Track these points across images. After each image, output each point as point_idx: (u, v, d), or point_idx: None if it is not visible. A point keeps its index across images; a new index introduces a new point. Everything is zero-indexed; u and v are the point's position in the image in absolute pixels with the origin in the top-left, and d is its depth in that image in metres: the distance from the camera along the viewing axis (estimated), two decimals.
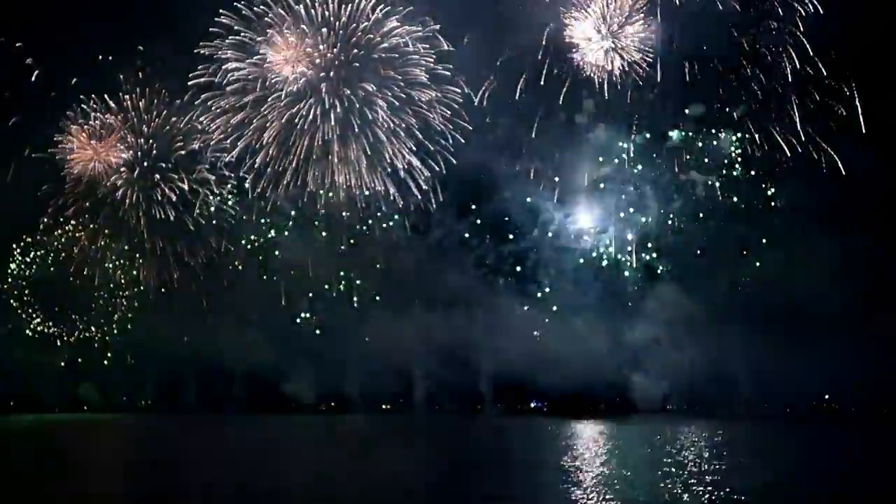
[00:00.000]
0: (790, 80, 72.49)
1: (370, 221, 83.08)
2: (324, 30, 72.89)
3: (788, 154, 75.18)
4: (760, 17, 72.31)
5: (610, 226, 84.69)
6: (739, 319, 78.41)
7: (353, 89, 73.93)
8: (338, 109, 74.21)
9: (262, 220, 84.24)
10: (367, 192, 77.65)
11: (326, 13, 72.46)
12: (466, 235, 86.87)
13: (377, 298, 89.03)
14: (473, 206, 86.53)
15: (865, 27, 65.89)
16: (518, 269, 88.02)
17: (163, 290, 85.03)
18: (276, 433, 73.15)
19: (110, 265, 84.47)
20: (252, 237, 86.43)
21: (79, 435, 68.68)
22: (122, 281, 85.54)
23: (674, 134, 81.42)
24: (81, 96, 77.93)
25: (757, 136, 76.76)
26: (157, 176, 79.99)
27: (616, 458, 43.74)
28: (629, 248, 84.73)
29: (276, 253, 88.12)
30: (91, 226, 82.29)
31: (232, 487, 31.01)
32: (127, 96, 78.17)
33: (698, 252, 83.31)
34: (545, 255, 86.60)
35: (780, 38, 71.98)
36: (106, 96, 78.24)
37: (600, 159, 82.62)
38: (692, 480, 32.79)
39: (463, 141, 75.19)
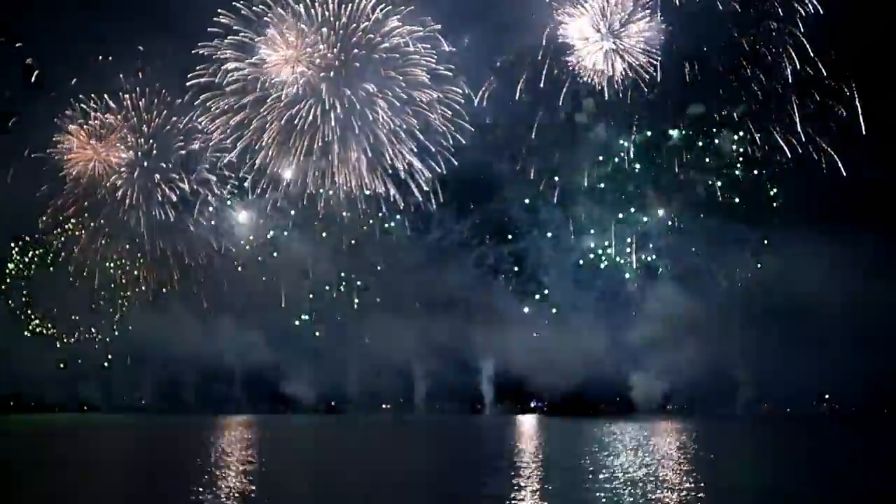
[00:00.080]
0: (790, 80, 72.66)
1: (371, 221, 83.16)
2: (324, 29, 72.77)
3: (788, 154, 75.34)
4: (760, 17, 72.35)
5: (610, 225, 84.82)
6: (739, 319, 78.56)
7: (354, 89, 73.87)
8: (338, 110, 74.17)
9: (262, 220, 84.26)
10: (367, 192, 77.65)
11: (326, 13, 72.30)
12: (466, 235, 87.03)
13: (377, 298, 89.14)
14: (473, 206, 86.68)
15: (865, 28, 65.90)
16: (518, 269, 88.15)
17: (164, 290, 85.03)
18: (277, 433, 73.08)
19: (111, 264, 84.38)
20: (252, 237, 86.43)
21: (77, 435, 68.63)
22: (123, 281, 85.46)
23: (674, 133, 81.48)
24: (81, 96, 77.99)
25: (757, 136, 76.92)
26: (158, 176, 79.97)
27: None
28: (629, 248, 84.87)
29: (276, 253, 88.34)
30: (91, 224, 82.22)
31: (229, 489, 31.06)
32: (127, 95, 78.16)
33: (698, 252, 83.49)
34: (545, 254, 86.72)
35: (781, 38, 72.02)
36: (106, 96, 78.23)
37: (600, 158, 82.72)
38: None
39: (464, 142, 75.23)
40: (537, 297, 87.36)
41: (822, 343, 71.84)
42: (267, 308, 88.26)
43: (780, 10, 71.16)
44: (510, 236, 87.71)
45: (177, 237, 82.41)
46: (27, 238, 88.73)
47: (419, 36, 72.59)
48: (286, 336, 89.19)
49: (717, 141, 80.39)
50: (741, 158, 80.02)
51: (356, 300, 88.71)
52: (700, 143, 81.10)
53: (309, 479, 36.27)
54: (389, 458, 45.16)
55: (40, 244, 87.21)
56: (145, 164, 79.80)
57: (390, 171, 76.29)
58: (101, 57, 77.25)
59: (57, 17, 74.95)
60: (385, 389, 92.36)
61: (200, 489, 30.12)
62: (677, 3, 71.51)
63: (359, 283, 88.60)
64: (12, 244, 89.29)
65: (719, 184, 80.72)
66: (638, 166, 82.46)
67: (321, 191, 78.12)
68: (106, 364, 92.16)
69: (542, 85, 74.87)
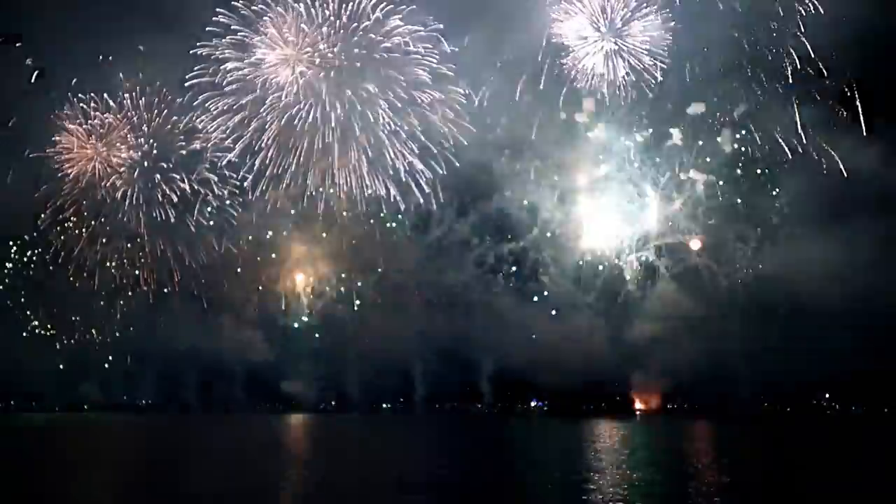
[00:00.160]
0: (791, 80, 72.53)
1: (372, 221, 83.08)
2: (324, 29, 72.58)
3: (789, 154, 75.27)
4: (761, 17, 72.14)
5: (610, 225, 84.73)
6: (739, 319, 78.54)
7: (354, 90, 73.69)
8: (338, 110, 73.99)
9: (263, 221, 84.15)
10: (368, 192, 77.52)
11: (327, 12, 72.09)
12: (466, 235, 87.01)
13: (377, 298, 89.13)
14: (473, 206, 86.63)
15: (866, 28, 65.81)
16: (518, 268, 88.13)
17: (165, 290, 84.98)
18: (276, 433, 73.10)
19: (112, 263, 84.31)
20: (252, 237, 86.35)
21: (76, 434, 68.64)
22: (123, 281, 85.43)
23: (674, 133, 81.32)
24: (81, 96, 77.89)
25: (757, 136, 76.81)
26: (158, 176, 79.86)
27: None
28: (628, 247, 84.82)
29: (275, 254, 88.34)
30: (93, 223, 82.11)
31: (228, 487, 31.04)
32: (127, 95, 78.04)
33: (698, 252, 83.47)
34: (545, 254, 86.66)
35: (781, 38, 71.87)
36: (106, 96, 78.11)
37: (600, 158, 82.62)
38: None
39: (465, 143, 75.11)
40: (537, 296, 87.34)
41: (822, 342, 71.83)
42: (267, 308, 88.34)
43: (780, 10, 71.05)
44: (510, 236, 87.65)
45: (177, 237, 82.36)
46: (26, 238, 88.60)
47: (420, 36, 72.49)
48: (286, 336, 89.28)
49: (718, 139, 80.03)
50: (742, 158, 79.92)
51: (356, 300, 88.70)
52: (700, 143, 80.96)
53: (309, 478, 36.28)
54: (390, 458, 45.19)
55: (40, 244, 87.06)
56: (145, 163, 79.70)
57: (391, 172, 76.22)
58: (101, 57, 77.25)
59: (57, 16, 74.80)
60: (385, 389, 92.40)
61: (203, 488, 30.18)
62: (677, 2, 71.41)
63: (359, 283, 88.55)
64: (11, 244, 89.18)
65: (721, 183, 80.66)
66: (636, 165, 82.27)
67: (321, 190, 78.03)
68: (106, 365, 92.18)
69: (541, 86, 74.67)
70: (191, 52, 73.19)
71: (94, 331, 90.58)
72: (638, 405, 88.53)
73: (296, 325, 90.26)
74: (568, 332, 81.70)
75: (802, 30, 70.70)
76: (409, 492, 30.61)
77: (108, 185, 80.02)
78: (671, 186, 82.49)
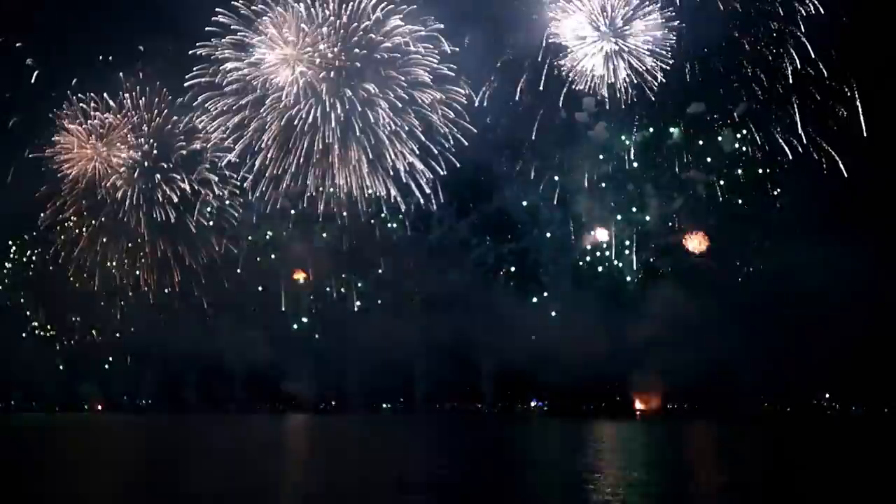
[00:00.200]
0: (791, 80, 72.52)
1: (372, 221, 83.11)
2: (324, 29, 72.58)
3: (789, 155, 75.29)
4: (761, 17, 72.12)
5: (610, 225, 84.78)
6: (739, 319, 78.50)
7: (355, 90, 73.72)
8: (338, 111, 74.03)
9: (263, 221, 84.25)
10: (368, 192, 77.51)
11: (327, 12, 72.11)
12: (466, 235, 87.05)
13: (377, 298, 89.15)
14: (473, 206, 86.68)
15: (866, 28, 65.83)
16: (518, 268, 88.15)
17: (166, 290, 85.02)
18: (276, 433, 73.06)
19: (112, 263, 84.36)
20: (252, 237, 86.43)
21: (76, 434, 68.62)
22: (123, 281, 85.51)
23: (675, 132, 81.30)
24: (81, 95, 77.96)
25: (758, 136, 76.83)
26: (158, 176, 79.90)
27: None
28: (628, 247, 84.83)
29: (275, 255, 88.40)
30: (93, 221, 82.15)
31: (230, 487, 31.05)
32: (127, 94, 78.12)
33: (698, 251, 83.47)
34: (545, 254, 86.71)
35: (781, 38, 71.84)
36: (106, 95, 78.21)
37: (600, 157, 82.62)
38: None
39: (466, 143, 75.16)
40: (537, 296, 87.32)
41: (822, 342, 71.80)
42: (267, 308, 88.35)
43: (780, 10, 71.03)
44: (510, 236, 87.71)
45: (178, 237, 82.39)
46: (26, 238, 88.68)
47: (420, 36, 72.49)
48: (286, 335, 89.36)
49: (720, 138, 80.00)
50: (742, 158, 79.91)
51: (356, 300, 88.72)
52: (701, 143, 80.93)
53: (311, 478, 36.27)
54: (390, 458, 45.14)
55: (40, 244, 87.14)
56: (146, 163, 79.77)
57: (391, 173, 76.24)
58: (101, 57, 77.36)
59: (57, 16, 74.89)
60: (385, 388, 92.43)
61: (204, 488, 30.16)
62: (678, 2, 71.36)
63: (359, 284, 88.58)
64: (11, 244, 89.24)
65: (721, 183, 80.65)
66: (635, 164, 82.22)
67: (320, 189, 78.05)
68: (107, 366, 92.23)
69: (541, 87, 74.57)
70: (190, 52, 73.38)
71: (94, 331, 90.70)
72: (638, 405, 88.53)
73: (295, 325, 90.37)
74: (568, 332, 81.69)
75: (803, 30, 70.86)
76: (409, 492, 30.56)
77: (108, 185, 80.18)
78: (671, 186, 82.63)
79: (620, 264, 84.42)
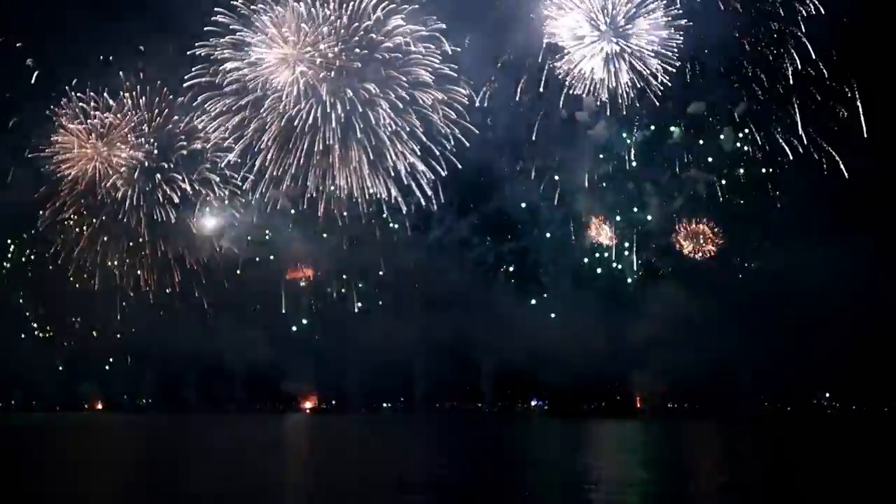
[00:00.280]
0: (791, 81, 72.43)
1: (373, 221, 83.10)
2: (324, 28, 72.45)
3: (790, 155, 75.25)
4: (761, 17, 71.98)
5: (611, 224, 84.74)
6: (740, 318, 78.55)
7: (355, 90, 73.56)
8: (339, 111, 73.90)
9: (263, 221, 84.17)
10: (370, 190, 77.39)
11: (327, 11, 71.96)
12: (466, 234, 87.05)
13: (377, 298, 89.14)
14: (474, 205, 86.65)
15: (867, 28, 65.81)
16: (518, 267, 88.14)
17: (167, 290, 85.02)
18: (277, 433, 73.09)
19: (115, 262, 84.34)
20: (253, 237, 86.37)
21: (76, 434, 68.65)
22: (123, 281, 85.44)
23: (675, 131, 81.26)
24: (81, 95, 77.89)
25: (758, 136, 76.79)
26: (159, 176, 79.85)
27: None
28: (629, 247, 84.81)
29: (275, 254, 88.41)
30: (94, 220, 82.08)
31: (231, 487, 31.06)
32: (128, 94, 78.04)
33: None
34: (545, 253, 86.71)
35: (782, 38, 71.71)
36: (106, 95, 78.11)
37: (601, 157, 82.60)
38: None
39: (467, 144, 75.11)
40: (537, 296, 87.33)
41: (822, 342, 71.85)
42: (267, 308, 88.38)
43: (781, 10, 70.85)
44: (510, 235, 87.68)
45: (178, 238, 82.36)
46: (26, 238, 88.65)
47: (421, 36, 72.35)
48: (286, 335, 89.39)
49: (722, 136, 79.82)
50: (742, 158, 79.89)
51: (356, 299, 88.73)
52: (701, 142, 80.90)
53: (311, 477, 36.27)
54: (391, 458, 45.16)
55: (40, 244, 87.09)
56: (146, 163, 79.70)
57: (392, 174, 76.15)
58: (101, 56, 77.28)
59: (57, 16, 74.85)
60: (385, 388, 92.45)
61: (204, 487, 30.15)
62: (677, 2, 71.18)
63: (360, 285, 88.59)
64: (10, 243, 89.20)
65: (724, 182, 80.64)
66: (633, 163, 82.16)
67: (320, 189, 78.02)
68: (108, 367, 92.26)
69: (541, 88, 74.34)
70: (188, 52, 73.30)
71: (94, 331, 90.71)
72: (638, 405, 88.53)
73: (295, 325, 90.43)
74: (568, 331, 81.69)
75: (803, 30, 70.78)
76: (409, 492, 30.58)
77: (108, 185, 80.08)
78: (672, 185, 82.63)
79: (620, 266, 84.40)
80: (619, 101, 73.11)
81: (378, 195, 76.98)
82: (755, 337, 77.05)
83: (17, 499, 28.18)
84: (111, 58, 77.34)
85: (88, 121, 78.48)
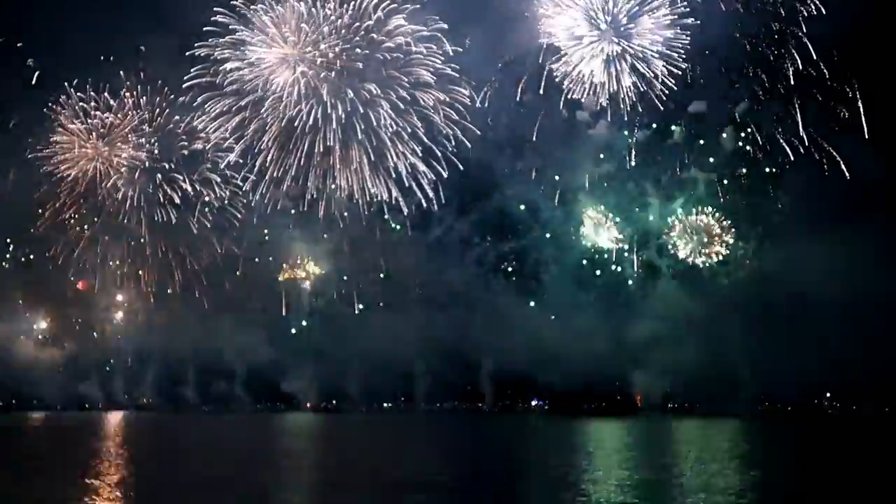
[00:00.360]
0: (792, 81, 72.32)
1: (373, 221, 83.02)
2: (325, 28, 72.32)
3: (791, 156, 75.17)
4: (763, 17, 71.80)
5: (611, 224, 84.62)
6: (740, 318, 78.52)
7: (356, 90, 73.35)
8: (339, 111, 73.72)
9: (264, 221, 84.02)
10: (371, 191, 77.28)
11: (328, 11, 71.81)
12: (467, 234, 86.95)
13: (377, 297, 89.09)
14: (474, 205, 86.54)
15: (868, 29, 65.73)
16: (518, 267, 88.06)
17: (168, 291, 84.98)
18: (277, 432, 73.11)
19: (113, 264, 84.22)
20: (253, 238, 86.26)
21: (76, 434, 68.65)
22: (123, 282, 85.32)
23: (675, 131, 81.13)
24: (81, 95, 77.83)
25: (759, 136, 76.70)
26: (160, 176, 79.74)
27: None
28: (629, 246, 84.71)
29: (276, 254, 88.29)
30: (95, 219, 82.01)
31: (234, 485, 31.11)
32: (128, 93, 77.96)
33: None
34: (546, 253, 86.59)
35: (783, 38, 71.53)
36: (107, 95, 78.06)
37: (601, 156, 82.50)
38: None
39: (469, 145, 75.04)
40: (537, 295, 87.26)
41: (823, 342, 71.84)
42: (268, 308, 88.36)
43: (782, 10, 70.61)
44: (511, 235, 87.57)
45: (179, 238, 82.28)
46: (26, 238, 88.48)
47: (422, 36, 72.15)
48: (286, 335, 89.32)
49: (724, 135, 79.64)
50: (743, 157, 79.78)
51: (356, 299, 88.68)
52: (702, 142, 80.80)
53: (314, 476, 36.29)
54: (391, 457, 45.23)
55: (40, 244, 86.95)
56: (147, 164, 79.61)
57: (393, 175, 76.03)
58: (101, 56, 77.21)
59: (57, 16, 74.78)
60: (385, 388, 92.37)
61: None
62: (678, 2, 71.00)
63: (360, 285, 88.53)
64: (11, 244, 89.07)
65: (724, 182, 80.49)
66: (632, 163, 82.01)
67: (320, 188, 77.95)
68: (108, 367, 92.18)
69: (541, 90, 74.08)
70: (187, 53, 73.20)
71: (94, 331, 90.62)
72: (639, 404, 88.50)
73: (294, 330, 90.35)
74: (569, 331, 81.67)
75: (804, 30, 70.64)
76: (409, 492, 30.63)
77: (108, 185, 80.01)
78: (672, 185, 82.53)
79: (619, 269, 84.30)
80: (622, 105, 72.46)
81: (379, 196, 76.92)
82: (756, 336, 77.04)
83: (18, 499, 28.23)
84: (111, 58, 77.29)
85: (89, 120, 78.47)
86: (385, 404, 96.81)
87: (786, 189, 78.66)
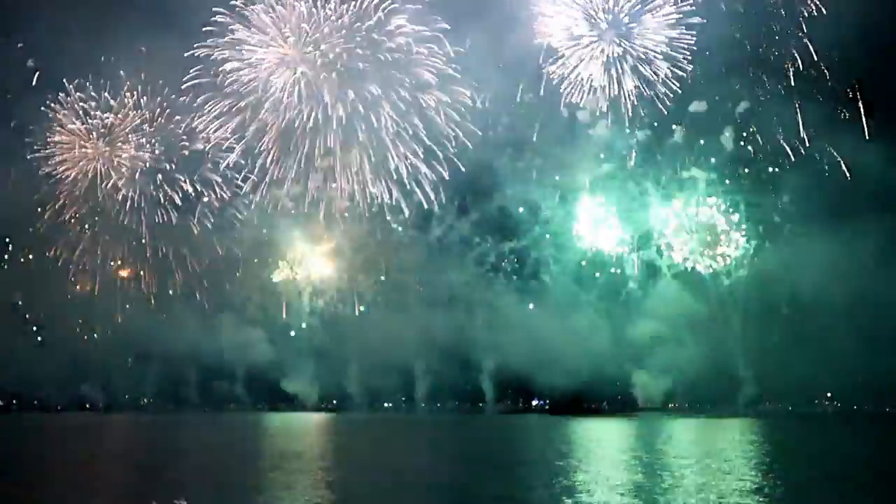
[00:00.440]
0: (793, 81, 72.40)
1: (374, 221, 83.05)
2: (326, 28, 72.35)
3: (791, 154, 75.20)
4: (763, 17, 71.85)
5: (611, 223, 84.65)
6: (741, 317, 78.60)
7: (357, 91, 73.33)
8: (340, 112, 73.73)
9: (264, 221, 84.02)
10: (371, 192, 77.32)
11: (328, 12, 71.83)
12: (467, 234, 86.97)
13: (378, 297, 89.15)
14: (475, 205, 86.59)
15: (869, 29, 65.78)
16: (519, 267, 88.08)
17: (170, 291, 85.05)
18: (277, 432, 73.10)
19: (113, 264, 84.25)
20: (253, 238, 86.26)
21: (76, 434, 68.70)
22: (123, 282, 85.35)
23: (676, 131, 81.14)
24: (81, 95, 77.82)
25: (759, 135, 76.75)
26: (160, 177, 79.77)
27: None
28: (630, 246, 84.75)
29: (276, 254, 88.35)
30: (95, 219, 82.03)
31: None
32: (128, 94, 77.98)
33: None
34: (546, 252, 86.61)
35: (783, 38, 71.59)
36: (107, 95, 78.08)
37: (601, 156, 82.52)
38: None
39: (470, 146, 75.07)
40: (538, 295, 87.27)
41: (824, 341, 71.95)
42: (268, 308, 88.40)
43: (782, 10, 70.66)
44: (511, 235, 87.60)
45: (179, 239, 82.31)
46: (26, 238, 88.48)
47: (423, 36, 72.13)
48: (287, 335, 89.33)
49: (726, 134, 79.64)
50: (744, 157, 79.86)
51: (357, 300, 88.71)
52: (702, 142, 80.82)
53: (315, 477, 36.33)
54: (392, 457, 45.25)
55: (40, 244, 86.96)
56: (147, 164, 79.64)
57: (394, 176, 76.02)
58: (101, 56, 77.24)
59: (57, 16, 74.76)
60: (386, 388, 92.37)
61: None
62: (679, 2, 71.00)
63: (360, 283, 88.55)
64: (11, 244, 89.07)
65: (725, 182, 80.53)
66: (632, 163, 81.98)
67: (320, 188, 77.97)
68: (108, 367, 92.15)
69: (541, 92, 74.04)
70: (186, 54, 73.20)
71: (94, 331, 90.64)
72: (639, 404, 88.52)
73: (292, 332, 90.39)
74: (569, 330, 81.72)
75: (804, 30, 70.68)
76: (409, 492, 30.66)
77: (109, 185, 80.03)
78: (673, 185, 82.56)
79: (623, 262, 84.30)
80: (623, 109, 72.17)
81: (380, 197, 76.92)
82: (756, 336, 77.11)
83: (18, 499, 28.25)
84: (111, 58, 77.31)
85: (89, 121, 78.49)
86: (385, 404, 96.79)
87: (786, 189, 78.74)
